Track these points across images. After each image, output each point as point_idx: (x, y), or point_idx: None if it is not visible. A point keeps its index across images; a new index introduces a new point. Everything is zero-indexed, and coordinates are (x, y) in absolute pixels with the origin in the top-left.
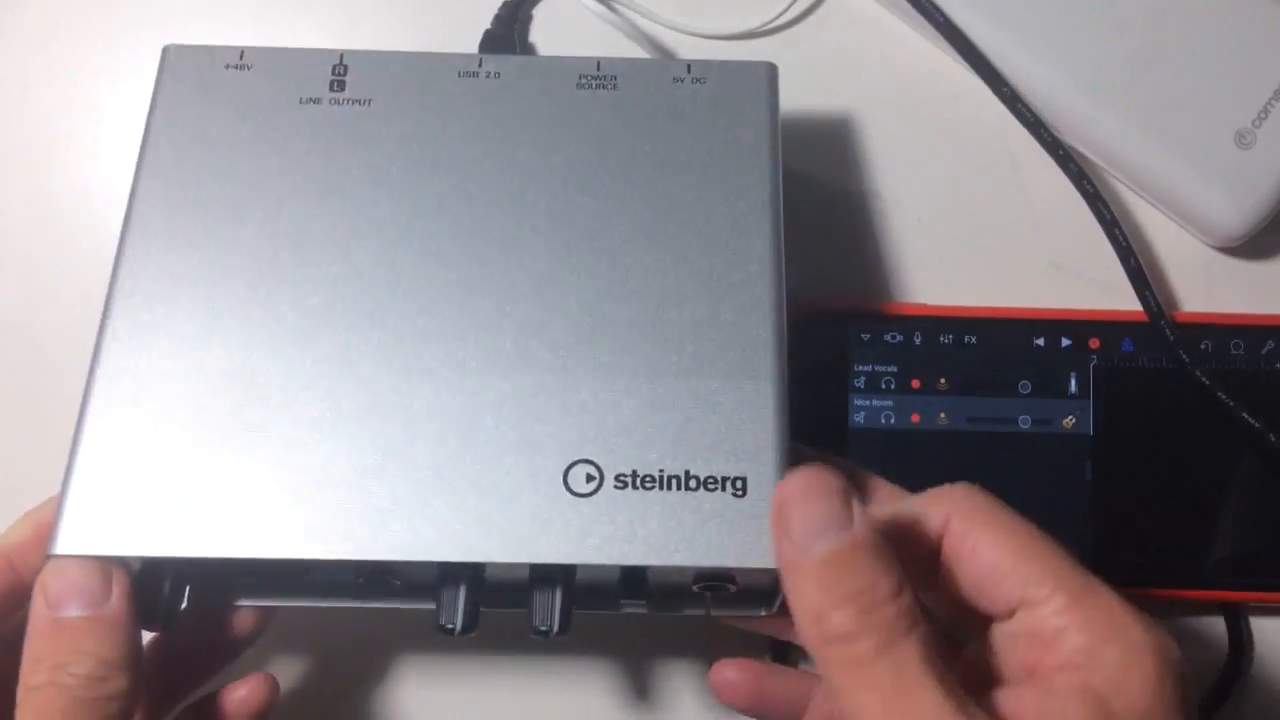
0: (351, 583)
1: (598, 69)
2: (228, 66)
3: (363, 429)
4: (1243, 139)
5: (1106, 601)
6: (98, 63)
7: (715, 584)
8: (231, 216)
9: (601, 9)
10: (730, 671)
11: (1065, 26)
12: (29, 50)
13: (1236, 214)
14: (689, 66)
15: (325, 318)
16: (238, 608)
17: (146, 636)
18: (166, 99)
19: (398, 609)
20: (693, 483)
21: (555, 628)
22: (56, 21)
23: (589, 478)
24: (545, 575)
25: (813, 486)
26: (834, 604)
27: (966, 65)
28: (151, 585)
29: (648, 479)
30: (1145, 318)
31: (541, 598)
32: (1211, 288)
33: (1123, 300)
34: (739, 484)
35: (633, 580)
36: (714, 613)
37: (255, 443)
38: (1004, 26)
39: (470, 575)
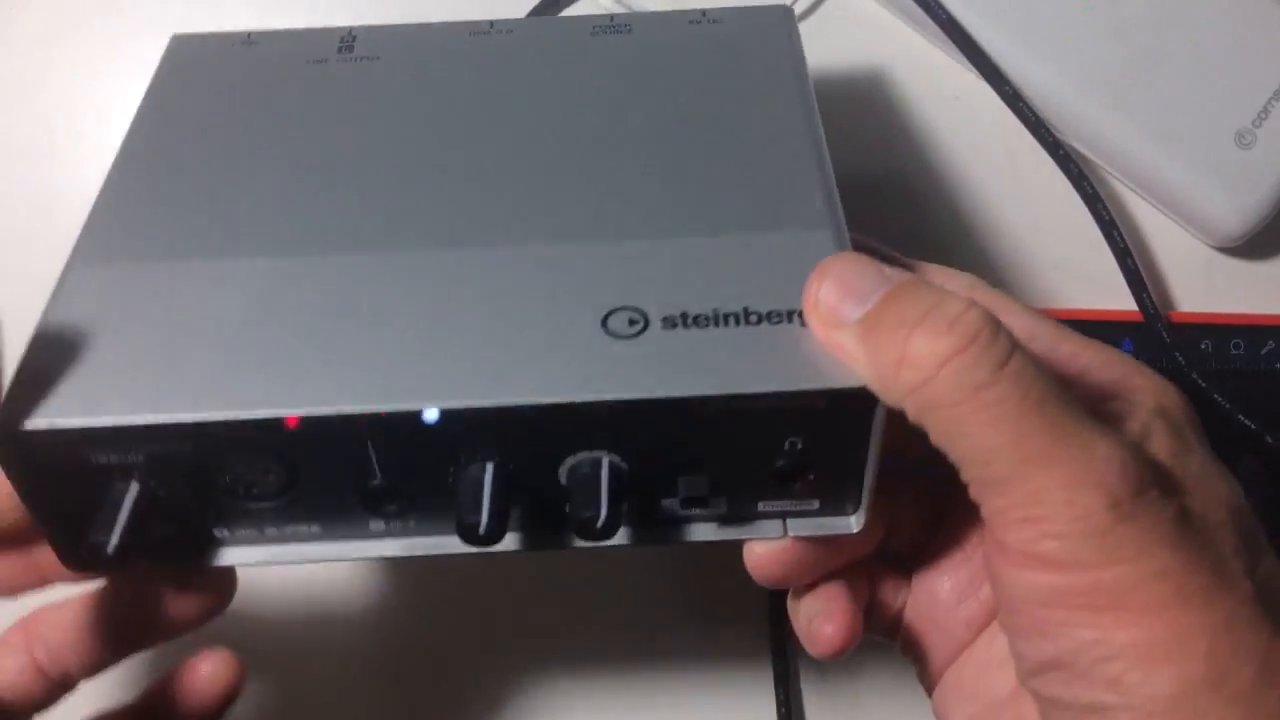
0: (352, 511)
1: (611, 20)
2: (234, 45)
3: (371, 292)
4: (1243, 139)
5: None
6: (99, 62)
7: (792, 471)
8: (231, 133)
9: (618, 8)
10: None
11: (1065, 26)
12: (30, 50)
13: (1236, 214)
14: (704, 12)
15: (340, 195)
16: (212, 566)
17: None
18: (167, 72)
19: (407, 558)
20: (754, 318)
21: (602, 514)
22: (58, 21)
23: (631, 321)
24: (588, 464)
25: (849, 255)
26: (911, 332)
27: (966, 65)
28: (106, 504)
29: (700, 318)
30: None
31: (584, 477)
32: (1211, 288)
33: (1122, 300)
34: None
35: (694, 486)
36: (793, 532)
37: (265, 311)
38: (1004, 26)
39: (498, 468)
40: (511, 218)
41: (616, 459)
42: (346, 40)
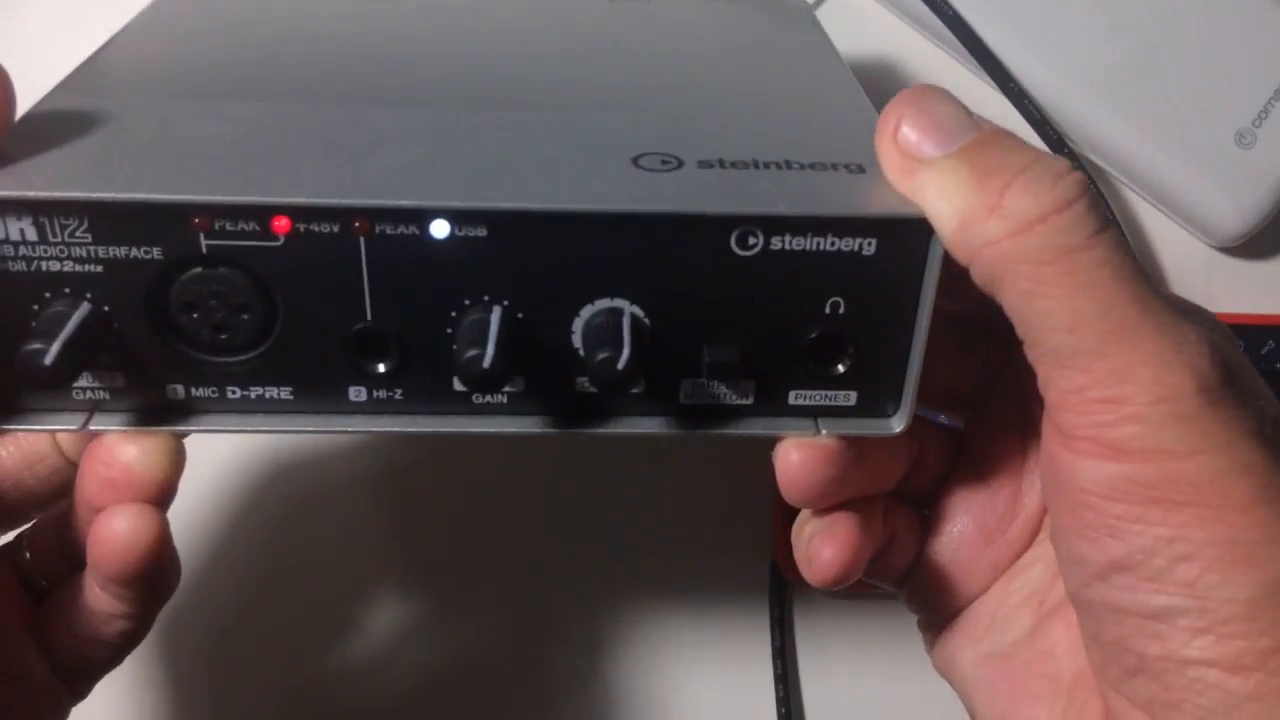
0: (332, 369)
1: None
2: None
3: (381, 125)
4: (1243, 139)
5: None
6: None
7: (830, 344)
8: (239, 35)
9: None
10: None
11: (1066, 26)
12: (30, 48)
13: (1236, 214)
14: None
15: (364, 74)
16: (162, 430)
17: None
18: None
19: (390, 432)
20: (795, 166)
21: (625, 352)
22: (58, 20)
23: (664, 161)
24: (606, 313)
25: (937, 89)
26: (1011, 180)
27: (967, 65)
28: (49, 316)
29: (738, 163)
30: None
31: (601, 325)
32: (1211, 287)
33: None
34: (854, 166)
35: (722, 353)
36: (827, 431)
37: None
38: (1005, 26)
39: (506, 312)
40: (536, 90)
41: (638, 311)
42: None
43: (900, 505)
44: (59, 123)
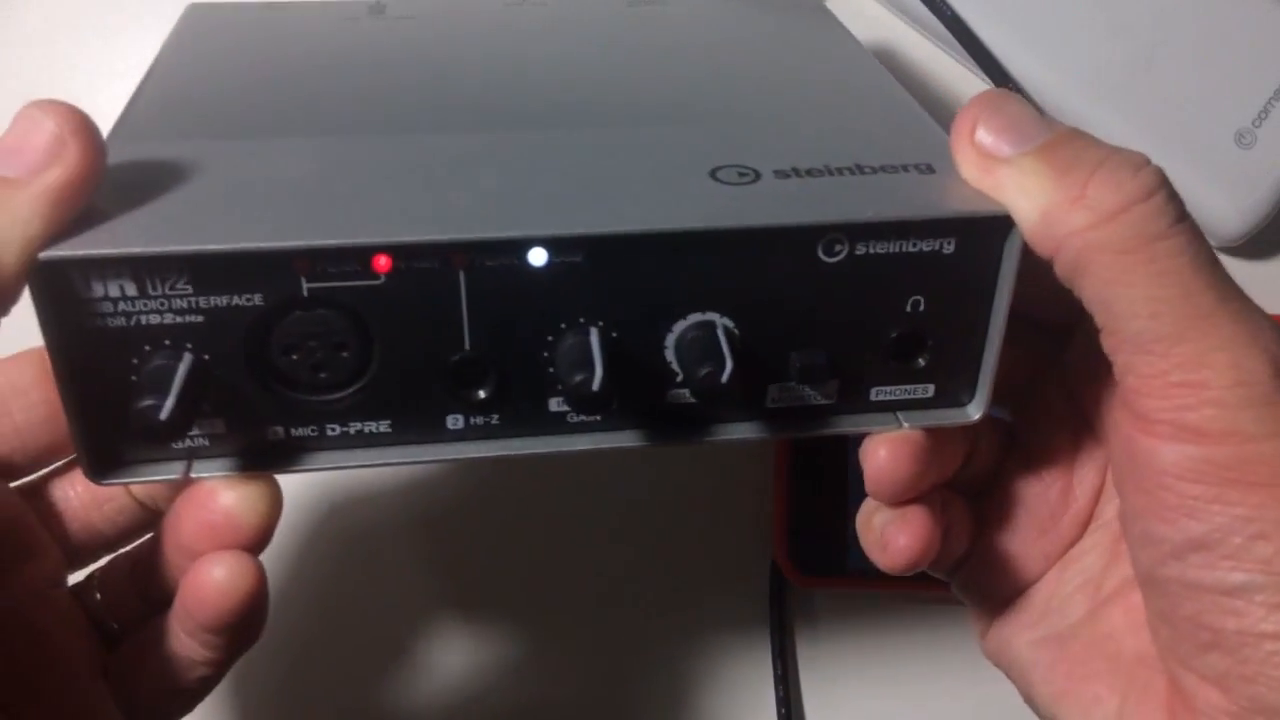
0: (430, 399)
1: None
2: (253, 11)
3: (458, 154)
4: (1243, 139)
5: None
6: (100, 61)
7: (911, 341)
8: (263, 74)
9: None
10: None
11: (1066, 26)
12: (30, 47)
13: (1236, 214)
14: None
15: (410, 105)
16: (268, 470)
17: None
18: (184, 31)
19: (491, 456)
20: (868, 169)
21: (728, 365)
22: (59, 19)
23: (741, 174)
24: (699, 327)
25: (1008, 93)
26: (1092, 173)
27: (966, 64)
28: (155, 372)
29: (814, 170)
30: None
31: (695, 339)
32: None
33: None
34: (924, 166)
35: (809, 357)
36: (909, 424)
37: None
38: (1003, 26)
39: (603, 333)
40: (590, 105)
41: (728, 322)
42: (378, 7)
43: (955, 497)
44: (137, 173)
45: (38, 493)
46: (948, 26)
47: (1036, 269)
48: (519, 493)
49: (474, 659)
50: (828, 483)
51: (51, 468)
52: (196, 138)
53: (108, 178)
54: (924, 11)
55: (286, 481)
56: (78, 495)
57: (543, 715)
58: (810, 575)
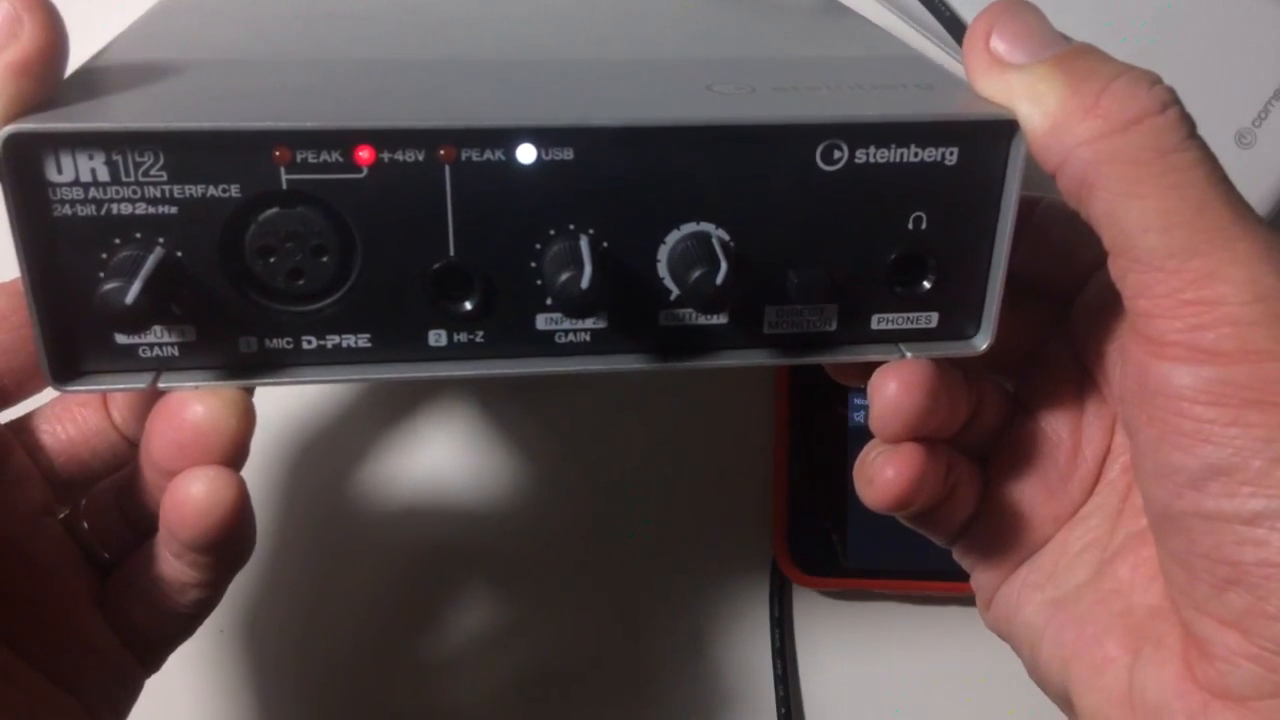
0: (412, 311)
1: None
2: None
3: (452, 55)
4: (1243, 139)
5: None
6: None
7: (913, 263)
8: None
9: None
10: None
11: (1064, 26)
12: None
13: None
14: None
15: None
16: (238, 384)
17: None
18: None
19: (470, 375)
20: (867, 87)
21: (722, 269)
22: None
23: (738, 88)
24: (694, 236)
25: (1025, 3)
26: (1107, 84)
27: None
28: (124, 259)
29: (813, 88)
30: None
31: (689, 248)
32: None
33: None
34: (923, 84)
35: (807, 275)
36: (911, 354)
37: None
38: None
39: (592, 241)
40: (589, 44)
41: (723, 234)
42: None
43: (961, 458)
44: (118, 74)
45: (25, 429)
46: (947, 27)
47: (1040, 228)
48: (519, 492)
49: (473, 659)
50: (828, 482)
51: (37, 408)
52: (187, 55)
53: (86, 79)
54: (923, 12)
55: (268, 426)
56: (64, 431)
57: (540, 714)
58: (810, 574)
